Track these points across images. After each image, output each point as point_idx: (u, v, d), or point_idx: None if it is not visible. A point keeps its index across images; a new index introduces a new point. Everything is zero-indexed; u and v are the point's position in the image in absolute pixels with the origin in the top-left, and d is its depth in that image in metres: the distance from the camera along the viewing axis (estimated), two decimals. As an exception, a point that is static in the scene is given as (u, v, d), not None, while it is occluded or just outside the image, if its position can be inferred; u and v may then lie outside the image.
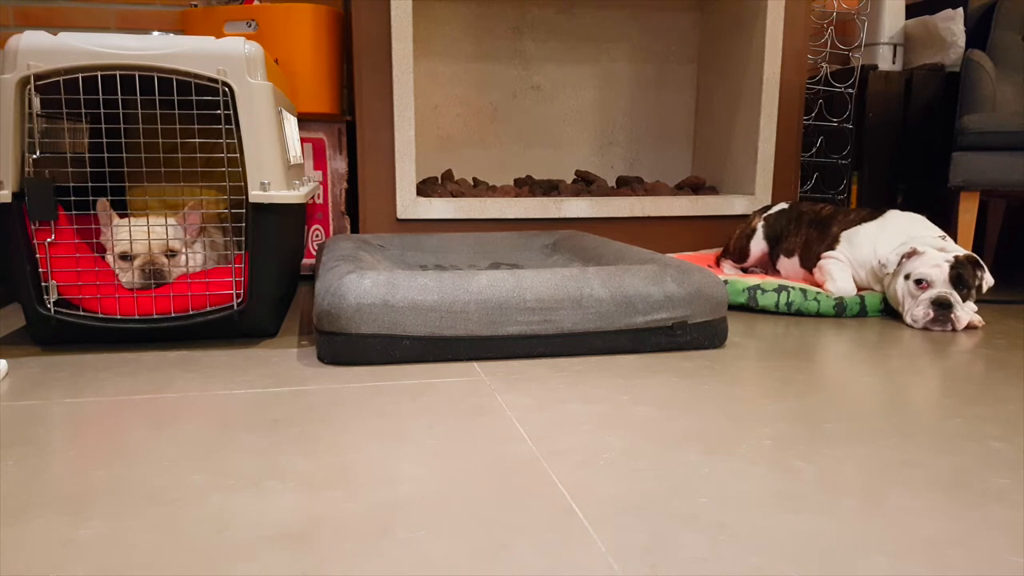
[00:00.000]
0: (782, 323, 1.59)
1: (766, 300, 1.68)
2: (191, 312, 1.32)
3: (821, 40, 2.56)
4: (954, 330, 1.57)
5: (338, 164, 2.08)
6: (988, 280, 1.62)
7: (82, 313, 1.29)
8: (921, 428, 0.96)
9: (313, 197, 2.03)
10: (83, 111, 1.29)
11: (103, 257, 1.37)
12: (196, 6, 2.05)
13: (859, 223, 1.77)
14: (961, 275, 1.57)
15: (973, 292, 1.61)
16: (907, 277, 1.61)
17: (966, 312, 1.58)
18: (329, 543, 0.66)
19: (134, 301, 1.30)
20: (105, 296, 1.29)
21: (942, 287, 1.57)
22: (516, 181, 2.48)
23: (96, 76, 1.22)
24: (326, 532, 0.68)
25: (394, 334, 1.22)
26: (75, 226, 1.30)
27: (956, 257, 1.59)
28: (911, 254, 1.63)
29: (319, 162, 2.06)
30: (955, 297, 1.56)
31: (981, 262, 1.63)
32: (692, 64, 2.69)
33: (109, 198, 1.33)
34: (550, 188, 2.37)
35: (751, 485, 0.78)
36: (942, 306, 1.56)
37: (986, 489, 0.78)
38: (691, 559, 0.64)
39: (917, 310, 1.58)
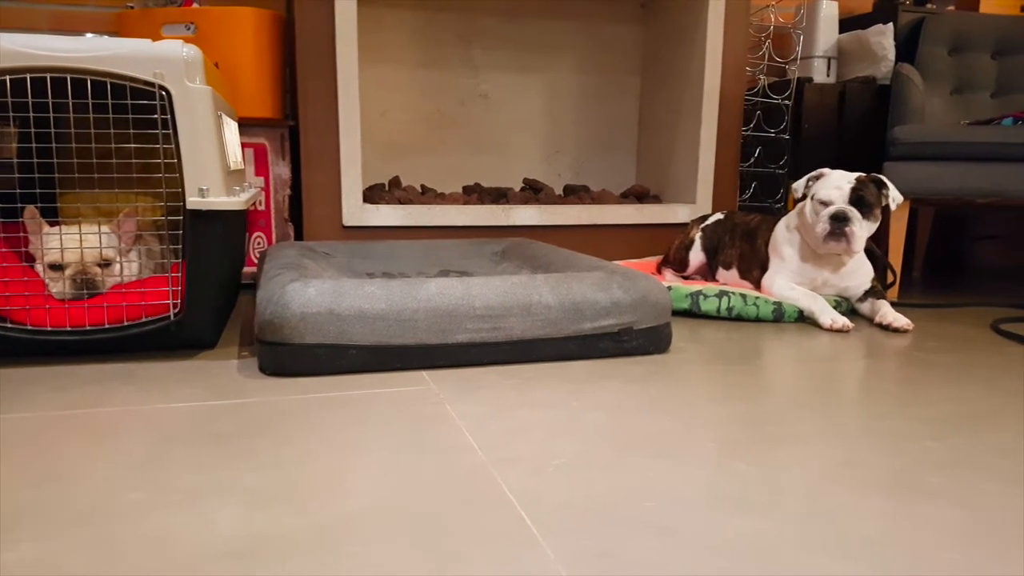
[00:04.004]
0: (724, 328, 1.63)
1: (708, 305, 1.71)
2: (126, 323, 1.27)
3: (759, 53, 2.64)
4: (848, 245, 1.62)
5: (281, 170, 2.04)
6: (895, 197, 1.68)
7: (10, 325, 1.23)
8: (860, 429, 0.99)
9: (255, 203, 1.99)
10: (11, 115, 1.23)
11: (32, 267, 1.31)
12: (132, 8, 1.99)
13: (773, 229, 1.82)
14: (863, 196, 1.63)
15: (878, 211, 1.66)
16: (812, 198, 1.68)
17: (864, 230, 1.64)
18: (276, 560, 0.64)
19: (65, 312, 1.25)
20: (34, 307, 1.24)
21: (841, 204, 1.63)
22: (465, 188, 2.47)
23: (25, 78, 1.17)
24: (272, 548, 0.66)
25: (340, 343, 1.20)
26: (2, 234, 1.24)
27: (858, 178, 1.65)
28: (818, 176, 1.70)
29: (261, 168, 2.02)
30: (854, 213, 1.62)
31: (886, 181, 1.68)
32: (636, 75, 2.74)
33: (39, 205, 1.28)
34: (499, 196, 2.37)
35: (698, 488, 0.79)
36: (838, 219, 1.62)
37: (922, 488, 0.81)
38: (639, 563, 0.64)
39: (818, 228, 1.64)
